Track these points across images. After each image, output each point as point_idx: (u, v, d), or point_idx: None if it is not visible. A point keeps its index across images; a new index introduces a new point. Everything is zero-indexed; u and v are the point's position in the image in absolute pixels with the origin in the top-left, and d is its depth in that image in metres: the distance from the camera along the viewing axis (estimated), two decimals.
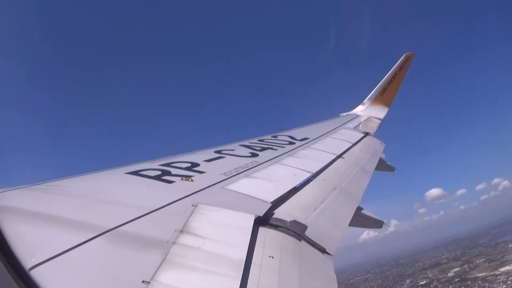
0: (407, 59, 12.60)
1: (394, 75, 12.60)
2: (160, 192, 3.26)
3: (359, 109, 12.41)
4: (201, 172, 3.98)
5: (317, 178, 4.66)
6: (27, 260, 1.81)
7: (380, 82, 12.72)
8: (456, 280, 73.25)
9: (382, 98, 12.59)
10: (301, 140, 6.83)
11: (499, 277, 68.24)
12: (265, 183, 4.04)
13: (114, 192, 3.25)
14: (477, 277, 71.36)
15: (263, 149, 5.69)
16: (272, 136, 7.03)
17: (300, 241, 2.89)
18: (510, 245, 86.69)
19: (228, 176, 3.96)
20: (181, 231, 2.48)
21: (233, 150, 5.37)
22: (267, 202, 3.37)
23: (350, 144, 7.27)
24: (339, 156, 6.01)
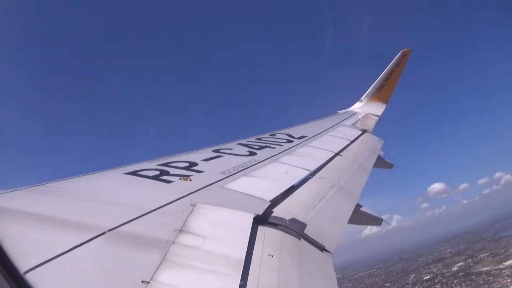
0: (403, 56, 12.61)
1: (391, 72, 12.61)
2: (158, 192, 3.26)
3: (356, 106, 12.42)
4: (200, 172, 3.97)
5: (315, 176, 4.66)
6: (23, 263, 1.80)
7: (377, 79, 12.73)
8: (460, 274, 73.37)
9: (379, 95, 12.60)
10: (299, 138, 6.83)
11: (503, 271, 68.35)
12: (264, 181, 4.04)
13: (113, 193, 3.25)
14: (482, 272, 71.48)
15: (261, 147, 5.70)
16: (270, 135, 7.03)
17: (300, 239, 2.89)
18: None
19: (227, 175, 3.96)
20: (180, 231, 2.48)
21: (231, 149, 5.37)
22: (266, 200, 3.37)
23: (348, 142, 7.28)
24: (337, 154, 6.02)
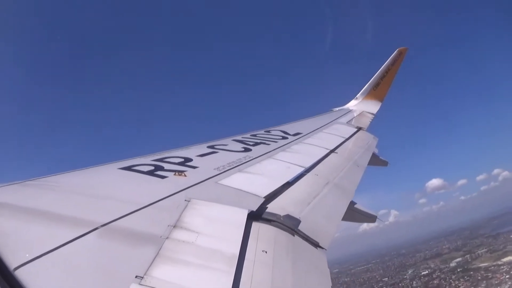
0: (399, 54, 12.66)
1: (387, 70, 12.65)
2: (153, 187, 3.25)
3: (352, 104, 12.45)
4: (194, 167, 3.97)
5: (310, 172, 4.67)
6: (13, 259, 1.78)
7: (373, 77, 12.77)
8: (458, 270, 73.82)
9: (375, 93, 12.64)
10: (294, 135, 6.84)
11: (501, 267, 68.83)
12: (258, 177, 4.04)
13: (107, 188, 3.24)
14: (480, 267, 71.92)
15: (256, 144, 5.69)
16: (265, 131, 7.03)
17: (294, 235, 2.90)
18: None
19: (221, 171, 3.95)
20: (174, 226, 2.48)
21: (226, 145, 5.36)
22: (260, 196, 3.37)
23: (343, 139, 7.30)
24: (332, 151, 6.03)
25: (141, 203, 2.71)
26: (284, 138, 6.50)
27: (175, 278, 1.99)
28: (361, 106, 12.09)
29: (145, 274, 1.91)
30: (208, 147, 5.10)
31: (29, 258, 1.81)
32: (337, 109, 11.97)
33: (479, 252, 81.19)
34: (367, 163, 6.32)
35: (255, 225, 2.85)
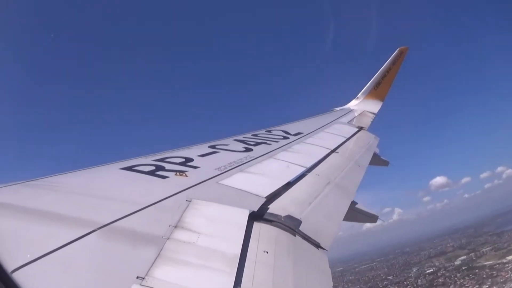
0: (400, 54, 12.64)
1: (388, 70, 12.64)
2: (154, 188, 3.25)
3: (353, 104, 12.44)
4: (195, 167, 3.97)
5: (311, 172, 4.67)
6: (11, 261, 1.76)
7: (374, 77, 12.75)
8: (463, 268, 73.20)
9: (376, 92, 12.62)
10: (295, 134, 6.84)
11: (506, 265, 68.13)
12: (260, 178, 4.04)
13: (108, 188, 3.24)
14: (485, 266, 71.34)
15: (257, 143, 5.69)
16: (266, 131, 7.03)
17: (295, 236, 2.89)
18: None
19: (222, 171, 3.95)
20: (176, 227, 2.48)
21: (227, 145, 5.36)
22: (261, 197, 3.37)
23: (344, 139, 7.29)
24: (333, 151, 6.03)
25: (142, 203, 2.71)
26: (285, 138, 6.50)
27: (176, 279, 1.99)
28: (362, 106, 12.08)
29: (146, 274, 1.91)
30: (209, 147, 5.10)
31: (30, 259, 1.81)
32: (338, 108, 11.95)
33: (484, 250, 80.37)
34: (368, 163, 6.31)
35: (256, 226, 2.85)
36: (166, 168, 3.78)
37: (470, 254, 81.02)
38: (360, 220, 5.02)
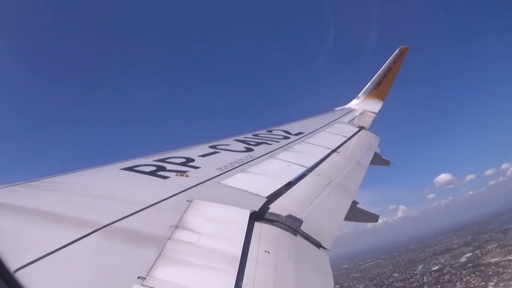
0: (401, 53, 12.65)
1: (389, 69, 12.64)
2: (155, 188, 3.25)
3: (353, 103, 12.44)
4: (196, 167, 3.97)
5: (312, 172, 4.66)
6: (14, 261, 1.78)
7: (375, 76, 12.76)
8: (469, 265, 73.03)
9: (376, 92, 12.63)
10: (296, 134, 6.83)
11: None
12: (260, 177, 4.04)
13: (109, 188, 3.24)
14: (490, 263, 71.15)
15: (258, 144, 5.69)
16: (267, 131, 7.03)
17: (296, 235, 2.89)
18: None
19: (223, 171, 3.95)
20: (177, 227, 2.48)
21: (228, 145, 5.36)
22: (262, 197, 3.37)
23: (345, 138, 7.28)
24: (334, 151, 6.02)
25: (143, 203, 2.71)
26: (286, 137, 6.50)
27: (177, 279, 1.99)
28: (363, 105, 12.08)
29: (147, 274, 1.91)
30: (210, 147, 5.10)
31: (31, 259, 1.81)
32: (338, 108, 11.95)
33: (489, 247, 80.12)
34: (369, 162, 6.31)
35: (257, 225, 2.85)
36: (167, 168, 3.78)
37: (476, 251, 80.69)
38: (361, 220, 5.02)
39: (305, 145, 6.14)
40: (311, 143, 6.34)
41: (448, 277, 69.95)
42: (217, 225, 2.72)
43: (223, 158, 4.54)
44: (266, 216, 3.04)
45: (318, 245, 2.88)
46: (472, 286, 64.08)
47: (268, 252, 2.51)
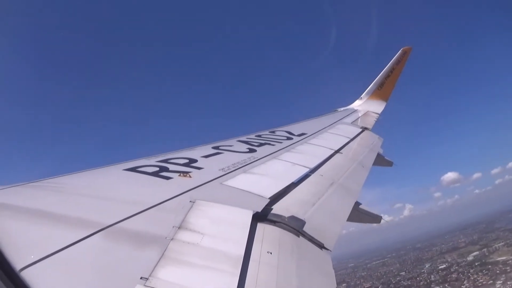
0: (404, 54, 12.62)
1: (392, 70, 12.63)
2: (158, 189, 3.25)
3: (356, 104, 12.43)
4: (199, 168, 3.97)
5: (315, 173, 4.65)
6: (19, 260, 1.79)
7: (378, 77, 12.75)
8: (476, 264, 72.71)
9: (379, 92, 12.61)
10: (299, 135, 6.83)
11: None
12: (263, 178, 4.04)
13: (112, 189, 3.25)
14: (498, 261, 70.86)
15: (261, 144, 5.69)
16: (269, 132, 7.03)
17: (299, 236, 2.89)
18: None
19: (226, 172, 3.95)
20: (179, 227, 2.48)
21: (231, 145, 5.37)
22: (265, 197, 3.36)
23: (348, 139, 7.27)
24: (337, 151, 6.01)
25: (146, 204, 2.71)
26: (289, 138, 6.50)
27: (180, 279, 1.99)
28: (366, 106, 12.06)
29: (150, 275, 1.92)
30: (213, 148, 5.11)
31: (35, 259, 1.82)
32: (341, 109, 11.94)
33: (496, 245, 79.64)
34: (372, 163, 6.29)
35: (260, 226, 2.85)
36: (170, 169, 3.78)
37: (483, 250, 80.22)
38: (364, 220, 5.01)
39: (308, 146, 6.14)
40: (314, 144, 6.33)
41: (456, 276, 69.60)
42: (220, 225, 2.72)
43: (226, 159, 4.54)
44: (269, 217, 3.04)
45: (321, 246, 2.87)
46: (480, 284, 63.77)
47: (271, 253, 2.51)
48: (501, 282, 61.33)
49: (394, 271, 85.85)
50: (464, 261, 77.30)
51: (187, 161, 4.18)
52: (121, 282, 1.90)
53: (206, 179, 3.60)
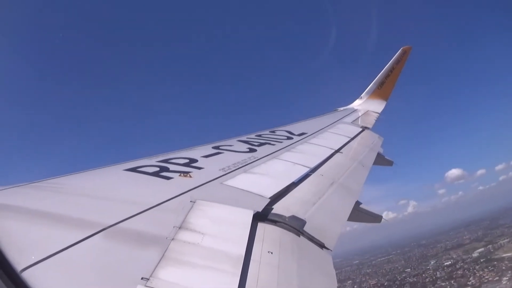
0: (404, 53, 12.62)
1: (392, 69, 12.63)
2: (158, 189, 3.25)
3: (356, 103, 12.43)
4: (199, 168, 3.97)
5: (315, 173, 4.65)
6: (20, 260, 1.79)
7: (378, 76, 12.75)
8: (482, 260, 72.40)
9: (379, 92, 12.61)
10: (299, 135, 6.82)
11: None
12: (264, 178, 4.04)
13: (113, 189, 3.25)
14: (503, 258, 70.58)
15: (261, 144, 5.69)
16: (270, 131, 7.02)
17: (299, 236, 2.89)
18: None
19: (226, 172, 3.95)
20: (180, 228, 2.48)
21: (231, 145, 5.36)
22: (265, 197, 3.36)
23: (348, 139, 7.26)
24: (337, 151, 6.01)
25: (147, 204, 2.71)
26: (289, 138, 6.49)
27: (181, 279, 1.99)
28: (366, 106, 12.06)
29: (151, 275, 1.92)
30: (213, 147, 5.11)
31: (36, 260, 1.82)
32: (341, 108, 11.94)
33: (501, 242, 79.20)
34: (372, 163, 6.29)
35: (261, 226, 2.85)
36: (170, 169, 3.78)
37: (488, 246, 79.87)
38: (365, 220, 5.01)
39: (308, 145, 6.14)
40: (314, 143, 6.33)
41: (461, 272, 69.34)
42: (220, 225, 2.72)
43: (226, 159, 4.54)
44: (269, 216, 3.04)
45: (322, 245, 2.87)
46: (485, 281, 63.55)
47: (272, 253, 2.51)
48: (507, 278, 61.16)
49: (399, 267, 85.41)
50: (469, 257, 76.93)
51: (188, 161, 4.18)
52: (122, 282, 1.90)
53: (206, 179, 3.60)
